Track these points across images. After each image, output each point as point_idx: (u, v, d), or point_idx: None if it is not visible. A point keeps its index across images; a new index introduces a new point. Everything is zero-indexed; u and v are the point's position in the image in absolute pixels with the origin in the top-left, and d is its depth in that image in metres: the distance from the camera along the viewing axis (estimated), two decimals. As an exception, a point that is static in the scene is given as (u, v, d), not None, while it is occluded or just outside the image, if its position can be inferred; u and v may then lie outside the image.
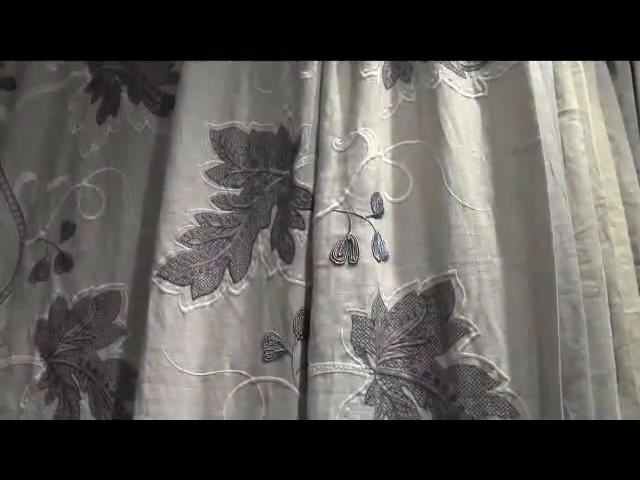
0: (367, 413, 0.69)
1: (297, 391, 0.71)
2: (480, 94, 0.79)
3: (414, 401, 0.71)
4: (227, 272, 0.78)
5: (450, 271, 0.72)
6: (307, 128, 0.78)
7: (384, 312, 0.73)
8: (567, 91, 0.86)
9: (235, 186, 0.81)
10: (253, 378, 0.74)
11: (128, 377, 0.80)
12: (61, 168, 0.93)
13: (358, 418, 0.68)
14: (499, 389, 0.69)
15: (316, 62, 0.81)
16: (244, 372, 0.74)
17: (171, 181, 0.80)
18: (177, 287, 0.77)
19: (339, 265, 0.72)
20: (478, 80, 0.79)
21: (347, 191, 0.75)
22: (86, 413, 0.81)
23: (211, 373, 0.75)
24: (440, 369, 0.71)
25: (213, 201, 0.80)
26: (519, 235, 0.72)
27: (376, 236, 0.74)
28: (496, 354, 0.70)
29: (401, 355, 0.72)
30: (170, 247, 0.78)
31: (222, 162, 0.82)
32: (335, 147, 0.77)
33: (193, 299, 0.77)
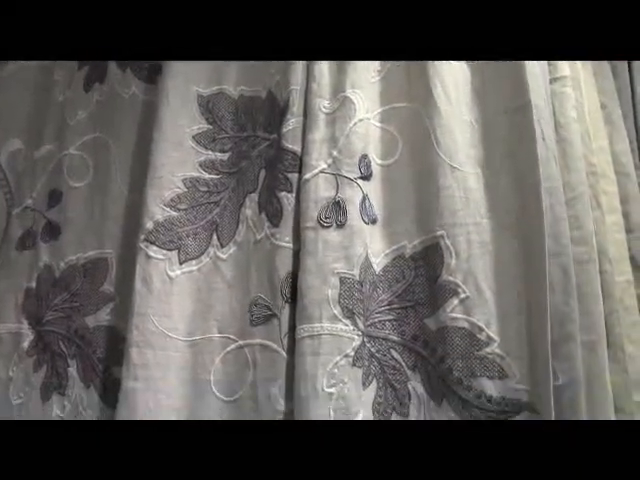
0: (355, 375, 0.68)
1: (285, 354, 0.71)
2: (470, 57, 0.78)
3: (402, 363, 0.71)
4: (215, 237, 0.78)
5: (439, 233, 0.71)
6: (295, 91, 0.77)
7: (372, 274, 0.73)
8: (559, 58, 0.86)
9: (223, 151, 0.81)
10: (241, 342, 0.73)
11: (116, 343, 0.79)
12: (48, 136, 0.93)
13: (346, 380, 0.68)
14: (488, 350, 0.69)
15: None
16: (232, 336, 0.74)
17: (158, 146, 0.79)
18: (164, 252, 0.76)
19: (327, 227, 0.71)
20: (468, 43, 0.79)
21: (335, 153, 0.74)
22: (74, 380, 0.81)
23: (199, 338, 0.75)
24: (429, 331, 0.71)
25: (201, 166, 0.80)
26: (509, 196, 0.72)
27: (364, 198, 0.73)
28: (485, 315, 0.69)
29: (389, 317, 0.72)
30: (157, 212, 0.77)
31: (210, 127, 0.81)
32: (323, 109, 0.76)
33: (180, 264, 0.76)
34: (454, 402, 0.68)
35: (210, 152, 0.80)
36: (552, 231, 0.70)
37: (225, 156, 0.80)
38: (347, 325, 0.69)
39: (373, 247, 0.74)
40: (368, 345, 0.70)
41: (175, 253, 0.77)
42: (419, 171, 0.75)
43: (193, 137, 0.80)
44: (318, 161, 0.74)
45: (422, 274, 0.72)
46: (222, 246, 0.77)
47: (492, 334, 0.69)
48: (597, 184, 0.86)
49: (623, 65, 1.03)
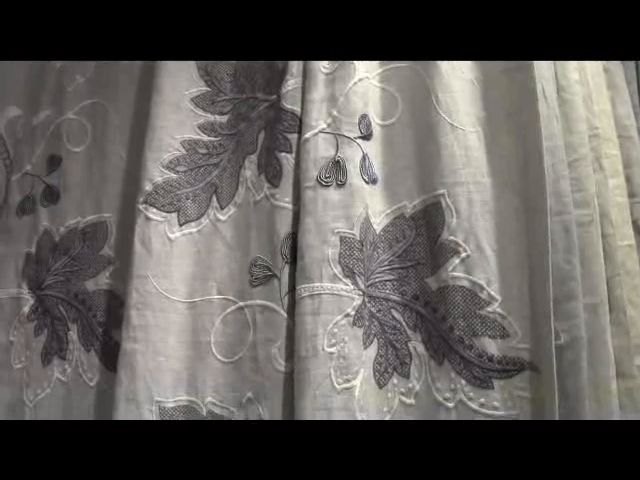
0: (356, 334, 0.68)
1: (285, 314, 0.70)
2: (471, 16, 0.77)
3: (403, 323, 0.71)
4: (214, 198, 0.77)
5: (440, 192, 0.71)
6: (294, 51, 0.77)
7: (373, 235, 0.72)
8: (561, 18, 0.85)
9: (222, 113, 0.80)
10: (241, 303, 0.73)
11: (116, 307, 0.79)
12: (46, 102, 0.92)
13: (346, 339, 0.67)
14: (489, 309, 0.68)
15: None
16: (232, 297, 0.74)
17: (157, 108, 0.78)
18: (164, 214, 0.76)
19: (326, 186, 0.71)
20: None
21: (335, 112, 0.73)
22: (74, 343, 0.81)
23: (198, 299, 0.75)
24: (430, 291, 0.70)
25: (199, 128, 0.79)
26: (510, 155, 0.71)
27: (364, 157, 0.73)
28: (486, 274, 0.69)
29: (390, 277, 0.72)
30: (156, 174, 0.77)
31: (209, 89, 0.81)
32: (322, 70, 0.75)
33: (180, 226, 0.76)
34: (455, 361, 0.68)
35: (209, 114, 0.80)
36: (554, 189, 0.70)
37: (224, 118, 0.80)
38: (347, 284, 0.69)
39: (373, 207, 0.73)
40: (369, 305, 0.70)
41: (174, 215, 0.76)
42: (419, 131, 0.74)
43: (192, 100, 0.80)
44: (318, 121, 0.73)
45: (423, 234, 0.72)
46: (221, 208, 0.77)
47: (493, 293, 0.68)
48: (599, 147, 0.85)
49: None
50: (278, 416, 0.69)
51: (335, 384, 0.66)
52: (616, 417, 0.70)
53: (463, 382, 0.67)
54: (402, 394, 0.70)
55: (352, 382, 0.67)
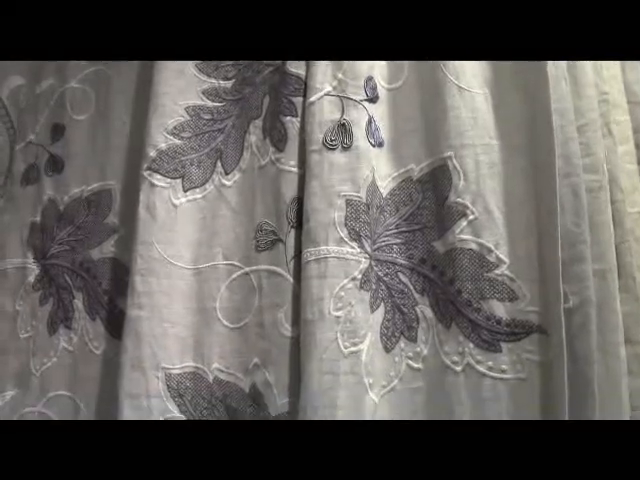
0: (362, 298, 0.67)
1: (291, 279, 0.70)
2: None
3: (410, 287, 0.70)
4: (219, 164, 0.77)
5: (447, 154, 0.70)
6: (299, 14, 0.75)
7: (379, 198, 0.72)
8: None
9: (226, 78, 0.79)
10: (247, 268, 0.73)
11: (121, 275, 0.79)
12: (49, 70, 0.91)
13: (353, 303, 0.67)
14: (497, 272, 0.68)
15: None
16: (237, 263, 0.73)
17: (160, 74, 0.78)
18: (168, 180, 0.75)
19: (332, 149, 0.70)
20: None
21: (340, 75, 0.72)
22: (80, 312, 0.81)
23: (204, 265, 0.74)
24: (437, 254, 0.70)
25: (204, 93, 0.78)
26: (518, 116, 0.70)
27: (370, 120, 0.72)
28: (494, 237, 0.68)
29: (397, 241, 0.71)
30: (160, 140, 0.76)
31: (212, 54, 0.80)
32: (328, 32, 0.74)
33: (185, 192, 0.75)
34: (463, 325, 0.67)
35: (213, 80, 0.79)
36: (562, 151, 0.69)
37: (229, 83, 0.79)
38: (354, 248, 0.68)
39: (380, 171, 0.72)
40: (376, 269, 0.70)
41: (179, 181, 0.76)
42: (426, 93, 0.73)
43: (196, 65, 0.79)
44: (323, 84, 0.72)
45: (430, 197, 0.71)
46: (226, 173, 0.76)
47: (501, 255, 0.68)
48: (608, 112, 0.84)
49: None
50: (285, 381, 0.68)
51: (342, 348, 0.65)
52: (624, 382, 0.69)
53: (471, 345, 0.67)
54: (409, 358, 0.69)
55: (359, 346, 0.66)
